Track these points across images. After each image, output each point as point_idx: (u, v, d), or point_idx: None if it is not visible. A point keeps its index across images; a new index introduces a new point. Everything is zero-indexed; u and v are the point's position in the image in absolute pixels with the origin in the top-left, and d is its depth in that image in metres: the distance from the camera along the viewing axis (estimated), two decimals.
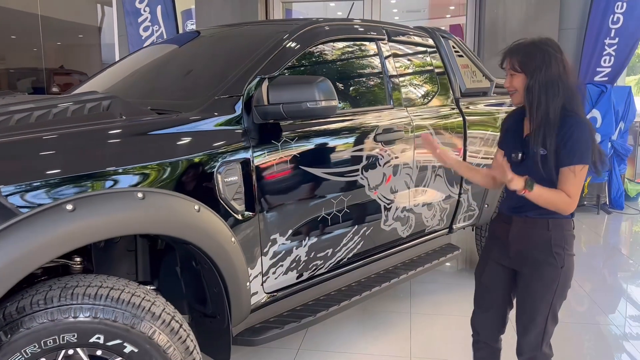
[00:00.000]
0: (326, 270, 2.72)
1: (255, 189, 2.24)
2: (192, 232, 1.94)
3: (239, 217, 2.17)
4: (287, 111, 2.26)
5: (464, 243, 4.69)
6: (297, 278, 2.57)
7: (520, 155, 2.00)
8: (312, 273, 2.64)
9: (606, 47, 6.32)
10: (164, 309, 1.84)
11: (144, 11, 7.30)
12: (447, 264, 4.64)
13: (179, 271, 2.27)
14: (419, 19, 9.52)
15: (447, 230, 3.64)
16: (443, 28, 3.91)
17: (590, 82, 6.35)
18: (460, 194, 3.59)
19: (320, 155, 2.56)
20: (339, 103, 2.83)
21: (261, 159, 2.26)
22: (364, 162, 2.78)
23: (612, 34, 6.28)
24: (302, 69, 2.67)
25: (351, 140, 2.72)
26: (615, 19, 6.24)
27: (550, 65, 1.89)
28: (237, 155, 2.16)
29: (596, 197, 6.45)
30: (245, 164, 2.19)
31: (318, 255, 2.63)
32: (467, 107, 3.63)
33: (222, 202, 2.09)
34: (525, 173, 1.91)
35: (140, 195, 1.77)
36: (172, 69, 2.86)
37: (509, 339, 2.25)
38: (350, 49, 3.03)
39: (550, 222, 1.98)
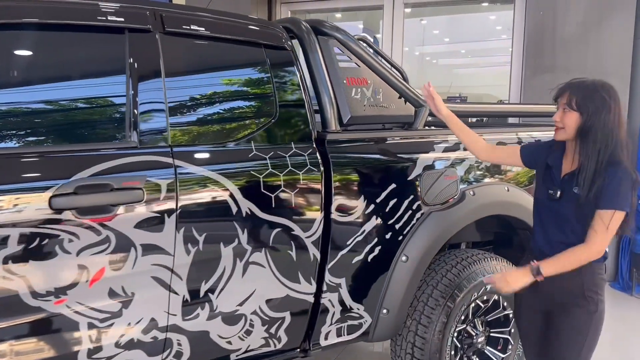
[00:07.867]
0: None
1: None
2: None
3: None
4: None
5: None
6: None
7: (558, 193, 1.93)
8: None
9: None
10: None
11: None
12: None
13: None
14: None
15: (300, 351, 2.20)
16: None
17: None
18: (321, 291, 2.13)
19: None
20: None
21: None
22: (10, 247, 1.50)
23: None
24: None
25: None
26: None
27: (609, 112, 1.84)
28: None
29: None
30: None
31: None
32: (346, 151, 2.18)
33: None
34: (561, 211, 1.93)
35: None
36: None
37: None
38: (50, 44, 1.76)
39: (582, 266, 1.89)
